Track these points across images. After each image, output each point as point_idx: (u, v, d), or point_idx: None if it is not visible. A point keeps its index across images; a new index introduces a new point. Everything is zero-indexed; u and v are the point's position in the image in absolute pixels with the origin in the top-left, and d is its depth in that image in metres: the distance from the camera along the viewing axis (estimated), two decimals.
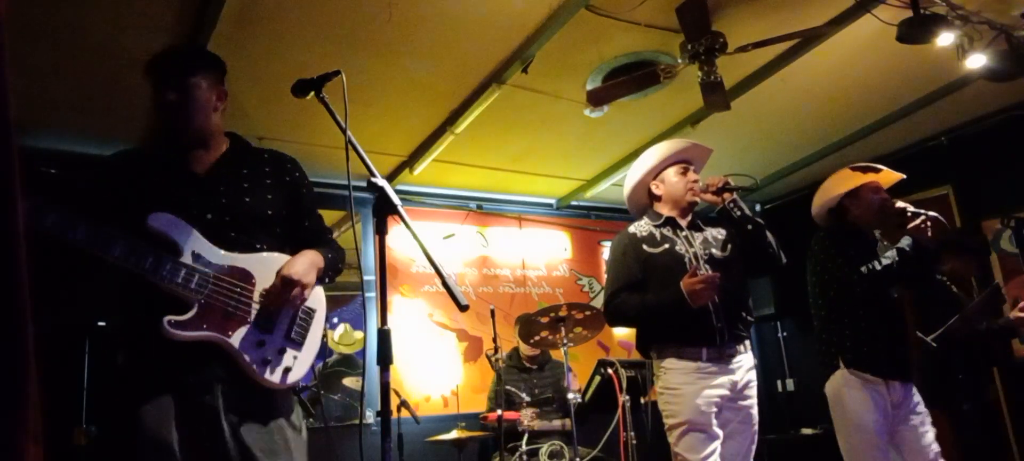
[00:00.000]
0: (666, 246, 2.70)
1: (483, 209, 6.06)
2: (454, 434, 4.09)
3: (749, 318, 2.71)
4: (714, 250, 2.73)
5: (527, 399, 4.30)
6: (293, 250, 1.93)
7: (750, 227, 2.69)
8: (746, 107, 4.42)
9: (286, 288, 1.80)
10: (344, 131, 1.70)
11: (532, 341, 4.32)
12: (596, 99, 3.88)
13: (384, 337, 1.57)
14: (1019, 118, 4.86)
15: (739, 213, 2.69)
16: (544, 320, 4.02)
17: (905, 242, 2.93)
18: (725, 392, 2.56)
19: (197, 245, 1.76)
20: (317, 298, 1.95)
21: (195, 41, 3.28)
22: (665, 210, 2.82)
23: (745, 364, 2.63)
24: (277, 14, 3.20)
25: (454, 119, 4.38)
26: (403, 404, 4.20)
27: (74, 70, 3.52)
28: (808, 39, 3.68)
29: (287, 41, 3.38)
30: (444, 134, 4.50)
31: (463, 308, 1.60)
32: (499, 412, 3.99)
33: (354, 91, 1.84)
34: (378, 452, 1.52)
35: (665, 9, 3.37)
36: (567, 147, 5.12)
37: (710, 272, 2.52)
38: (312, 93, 1.79)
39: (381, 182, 1.67)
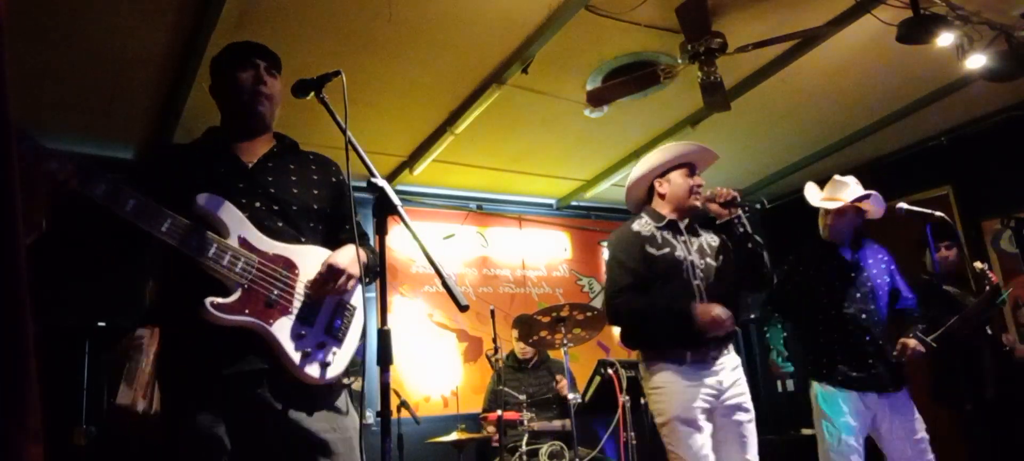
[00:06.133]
0: (667, 249, 2.70)
1: (483, 209, 6.06)
2: (454, 435, 4.09)
3: (734, 326, 2.73)
4: (709, 258, 2.74)
5: (523, 399, 4.30)
6: (334, 249, 1.92)
7: (750, 246, 2.68)
8: (746, 107, 4.41)
9: (331, 276, 1.78)
10: (344, 131, 1.70)
11: (531, 341, 4.32)
12: (596, 99, 3.88)
13: (384, 337, 1.57)
14: (1019, 118, 4.86)
15: (742, 230, 2.68)
16: (544, 320, 4.01)
17: None
18: (711, 393, 2.58)
19: (244, 230, 1.75)
20: (357, 296, 1.93)
21: (195, 41, 3.28)
22: (666, 211, 2.81)
23: (728, 365, 2.65)
24: (277, 14, 3.21)
25: (454, 119, 4.38)
26: (403, 404, 4.20)
27: (74, 70, 3.51)
28: (808, 39, 3.68)
29: (287, 41, 3.38)
30: (444, 134, 4.50)
31: (463, 308, 1.60)
32: (499, 412, 3.99)
33: (354, 91, 1.84)
34: (378, 452, 1.52)
35: (665, 9, 3.37)
36: (567, 147, 5.12)
37: (716, 306, 2.56)
38: (312, 93, 1.80)
39: (381, 182, 1.67)
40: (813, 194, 3.33)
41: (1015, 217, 3.60)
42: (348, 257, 1.83)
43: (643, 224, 2.79)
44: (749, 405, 2.65)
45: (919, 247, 4.05)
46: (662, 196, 2.83)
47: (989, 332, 3.73)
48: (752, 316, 6.64)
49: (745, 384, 2.68)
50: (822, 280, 3.18)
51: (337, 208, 1.99)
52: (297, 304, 1.77)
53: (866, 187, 3.29)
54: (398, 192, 3.23)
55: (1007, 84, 3.89)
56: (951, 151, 5.26)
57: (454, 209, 5.90)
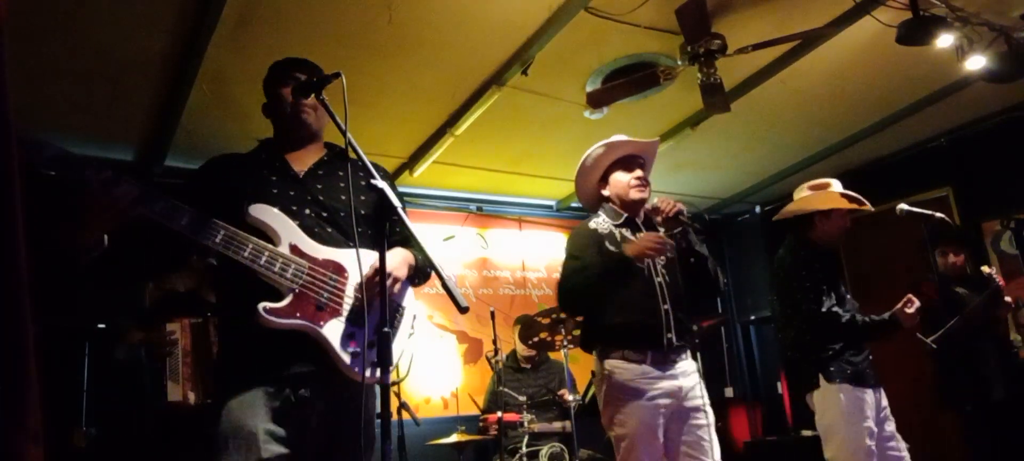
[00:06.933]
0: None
1: (483, 211, 6.06)
2: (454, 437, 4.09)
3: (693, 326, 2.67)
4: (669, 253, 2.66)
5: (523, 400, 4.29)
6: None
7: (692, 260, 2.66)
8: (746, 109, 4.42)
9: (378, 277, 1.82)
10: (344, 133, 1.71)
11: (531, 342, 4.31)
12: (596, 101, 3.88)
13: (384, 339, 1.57)
14: (1019, 119, 4.86)
15: (685, 245, 2.65)
16: (544, 322, 4.01)
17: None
18: (669, 400, 2.50)
19: (294, 237, 1.81)
20: (407, 297, 2.00)
21: (196, 42, 3.29)
22: (622, 209, 2.76)
23: (688, 370, 2.58)
24: (277, 16, 3.21)
25: (454, 121, 4.38)
26: (403, 406, 4.20)
27: (74, 70, 3.52)
28: (808, 40, 3.69)
29: (287, 43, 3.38)
30: (444, 136, 4.50)
31: (463, 310, 1.61)
32: (499, 414, 3.98)
33: (354, 93, 1.85)
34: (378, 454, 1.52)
35: (665, 11, 3.37)
36: (567, 149, 5.11)
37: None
38: (313, 95, 1.81)
39: (381, 184, 1.68)
40: (836, 189, 3.27)
41: (1015, 218, 3.60)
42: (395, 259, 1.88)
43: (600, 221, 2.75)
44: (708, 410, 2.56)
45: (922, 248, 4.05)
46: (611, 199, 2.79)
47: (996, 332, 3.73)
48: (752, 318, 6.64)
49: (704, 391, 2.60)
50: (829, 281, 3.14)
51: (386, 212, 2.03)
52: (347, 306, 1.82)
53: (862, 189, 3.29)
54: (398, 194, 3.22)
55: (1007, 85, 3.90)
56: (951, 152, 5.26)
57: (454, 211, 5.90)
